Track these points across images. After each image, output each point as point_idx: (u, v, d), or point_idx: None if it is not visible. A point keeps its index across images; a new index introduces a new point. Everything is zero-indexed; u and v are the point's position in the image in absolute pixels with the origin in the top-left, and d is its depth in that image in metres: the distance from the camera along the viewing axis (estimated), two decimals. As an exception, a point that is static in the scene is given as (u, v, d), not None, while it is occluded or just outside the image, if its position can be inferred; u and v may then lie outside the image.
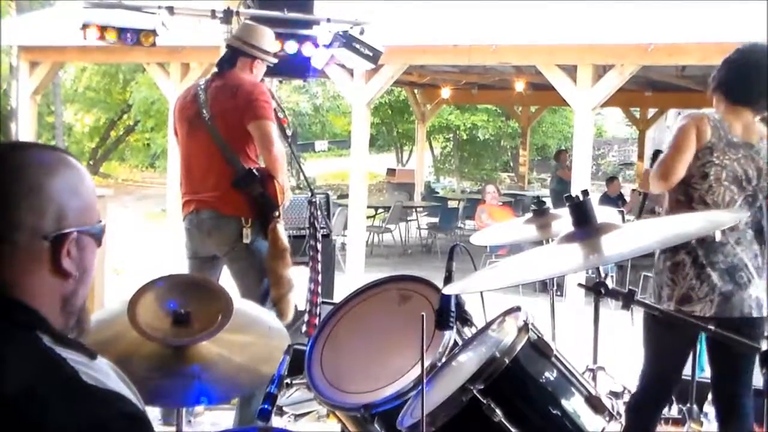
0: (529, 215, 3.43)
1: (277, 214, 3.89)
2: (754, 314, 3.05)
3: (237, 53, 4.05)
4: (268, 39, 4.15)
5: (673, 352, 3.25)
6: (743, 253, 3.07)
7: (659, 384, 3.29)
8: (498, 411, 1.84)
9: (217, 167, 3.90)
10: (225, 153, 3.88)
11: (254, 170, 3.87)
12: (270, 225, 3.88)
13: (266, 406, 2.12)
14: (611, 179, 12.37)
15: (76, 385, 1.13)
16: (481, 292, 2.48)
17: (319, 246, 4.46)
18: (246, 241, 3.86)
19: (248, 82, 3.98)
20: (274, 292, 3.86)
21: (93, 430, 1.11)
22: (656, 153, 3.23)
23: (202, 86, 4.05)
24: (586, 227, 1.91)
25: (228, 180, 3.87)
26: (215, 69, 4.13)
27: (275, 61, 4.31)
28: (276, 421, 4.31)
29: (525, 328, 1.97)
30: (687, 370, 4.02)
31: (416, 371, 2.21)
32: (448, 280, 2.23)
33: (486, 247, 8.80)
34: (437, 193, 16.73)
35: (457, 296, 2.15)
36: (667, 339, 3.21)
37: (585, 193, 1.95)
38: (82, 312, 1.29)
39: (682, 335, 3.20)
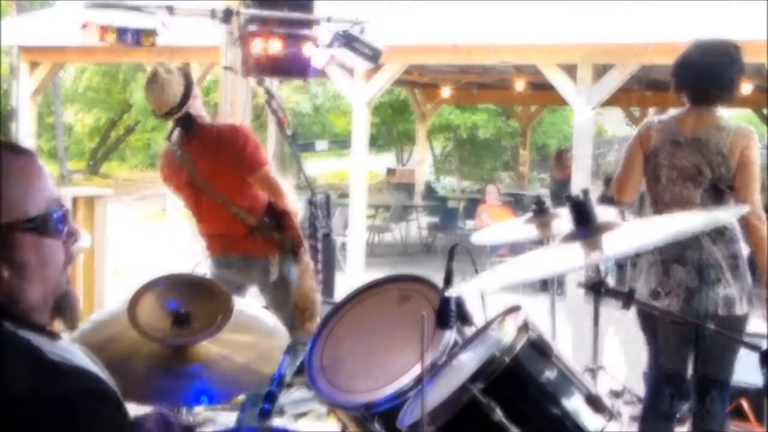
0: (529, 215, 3.43)
1: (302, 249, 3.88)
2: (721, 312, 3.04)
3: (185, 100, 3.82)
4: (178, 77, 3.91)
5: (668, 351, 3.27)
6: (719, 251, 3.06)
7: (659, 384, 3.30)
8: (498, 410, 1.84)
9: (231, 224, 3.87)
10: (234, 210, 3.84)
11: (266, 219, 3.84)
12: (297, 257, 3.87)
13: (267, 406, 2.12)
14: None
15: (40, 361, 1.13)
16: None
17: (319, 245, 4.46)
18: (273, 278, 3.85)
19: (225, 127, 3.93)
20: (302, 317, 3.87)
21: (58, 404, 1.10)
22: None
23: (178, 152, 3.89)
24: (586, 226, 1.91)
25: (245, 232, 3.85)
26: (180, 131, 3.91)
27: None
28: (276, 421, 4.31)
29: (525, 327, 1.97)
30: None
31: (416, 370, 2.21)
32: (448, 279, 2.23)
33: (486, 246, 8.80)
34: (437, 192, 16.74)
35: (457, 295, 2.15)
36: (661, 337, 3.24)
37: (585, 192, 1.96)
38: (64, 302, 1.26)
39: (675, 333, 3.21)
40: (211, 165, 3.82)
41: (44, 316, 1.24)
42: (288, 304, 3.89)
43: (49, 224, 1.21)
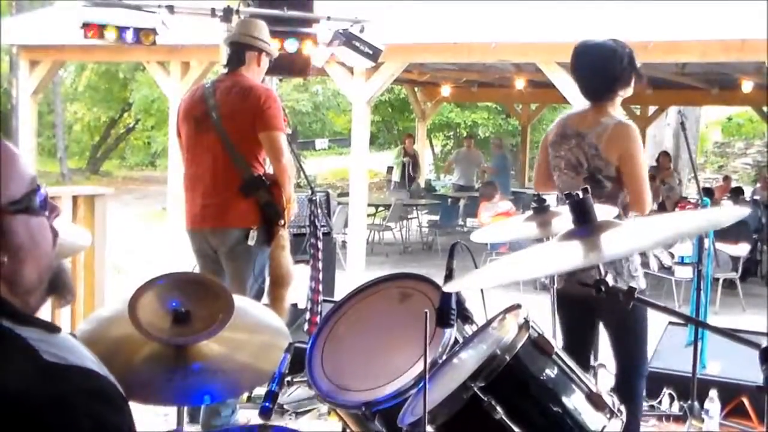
0: (530, 213, 3.43)
1: (282, 222, 3.87)
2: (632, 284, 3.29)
3: (244, 48, 4.03)
4: (267, 31, 4.15)
5: (581, 328, 3.46)
6: None
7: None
8: (499, 408, 1.84)
9: (223, 170, 3.87)
10: (233, 156, 3.84)
11: (262, 176, 3.85)
12: (274, 232, 3.88)
13: (267, 404, 2.12)
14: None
15: (36, 363, 1.13)
16: (482, 290, 2.48)
17: (319, 244, 4.46)
18: (251, 242, 3.85)
19: (260, 86, 3.96)
20: (276, 285, 3.91)
21: (55, 407, 1.10)
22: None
23: (209, 87, 4.01)
24: (586, 225, 1.91)
25: (234, 184, 3.83)
26: (224, 68, 4.10)
27: (277, 54, 4.31)
28: (277, 419, 4.31)
29: (525, 325, 1.97)
30: (687, 367, 4.03)
31: (417, 369, 2.22)
32: (448, 278, 2.22)
33: (486, 244, 8.80)
34: (437, 190, 16.73)
35: (457, 294, 2.15)
36: (573, 316, 3.40)
37: (585, 191, 1.95)
38: (57, 278, 1.27)
39: (585, 311, 3.37)
40: (233, 108, 3.88)
41: (40, 296, 1.25)
42: (247, 276, 3.90)
43: (33, 203, 1.23)
